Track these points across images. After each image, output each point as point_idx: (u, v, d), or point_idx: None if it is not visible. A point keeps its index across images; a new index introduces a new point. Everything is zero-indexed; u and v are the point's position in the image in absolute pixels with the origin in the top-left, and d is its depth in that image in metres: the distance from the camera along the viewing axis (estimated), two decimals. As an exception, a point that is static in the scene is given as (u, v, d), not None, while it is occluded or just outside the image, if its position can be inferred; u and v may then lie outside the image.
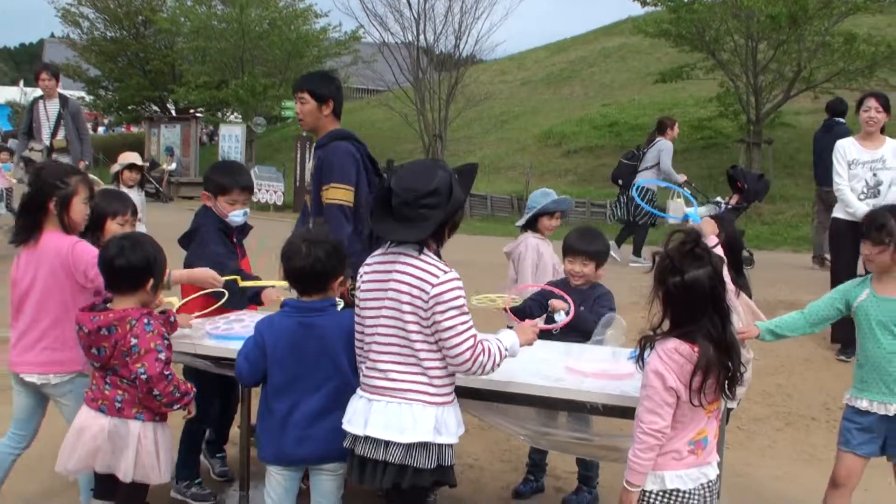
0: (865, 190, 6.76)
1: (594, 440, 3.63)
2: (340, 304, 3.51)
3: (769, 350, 7.19)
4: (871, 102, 6.68)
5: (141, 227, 6.86)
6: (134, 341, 3.26)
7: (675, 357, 2.85)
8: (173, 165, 25.17)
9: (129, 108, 33.56)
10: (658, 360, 2.87)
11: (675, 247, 2.91)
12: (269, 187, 19.55)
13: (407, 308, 2.95)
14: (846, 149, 6.84)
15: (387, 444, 2.96)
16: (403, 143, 26.97)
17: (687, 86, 24.44)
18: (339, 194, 4.50)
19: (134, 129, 37.87)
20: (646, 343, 2.95)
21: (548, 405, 3.46)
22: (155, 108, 33.28)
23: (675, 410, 2.88)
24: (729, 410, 3.23)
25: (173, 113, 31.62)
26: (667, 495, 2.92)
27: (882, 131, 6.84)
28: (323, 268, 3.27)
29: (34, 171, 3.95)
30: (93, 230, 4.01)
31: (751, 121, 20.42)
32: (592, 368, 3.48)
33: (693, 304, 2.85)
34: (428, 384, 2.98)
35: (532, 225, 5.13)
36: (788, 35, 18.61)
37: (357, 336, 3.18)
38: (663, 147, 11.19)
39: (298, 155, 19.89)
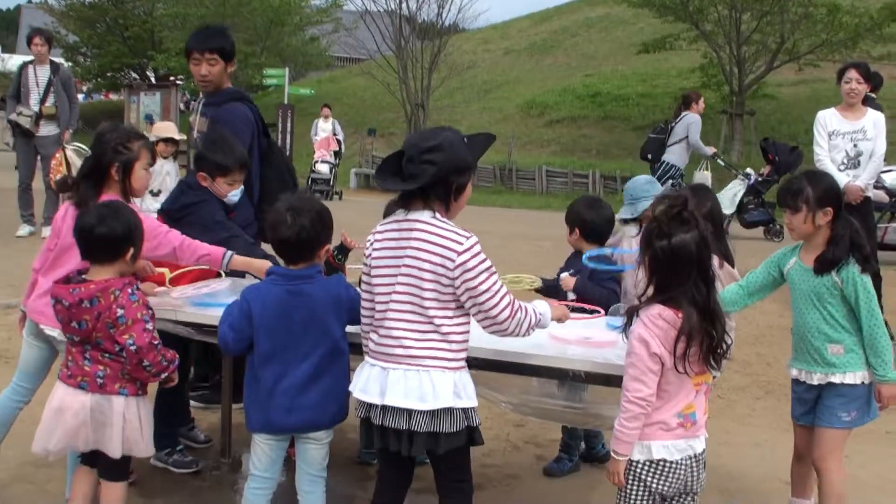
0: (846, 161, 6.78)
1: (579, 408, 3.63)
2: None
3: (750, 319, 7.27)
4: (852, 73, 6.67)
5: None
6: (120, 312, 3.17)
7: (658, 323, 2.85)
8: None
9: (108, 75, 33.16)
10: (642, 327, 2.87)
11: (663, 210, 2.91)
12: (251, 156, 19.38)
13: (428, 276, 2.91)
14: (827, 119, 6.84)
15: (410, 412, 2.92)
16: (385, 112, 26.84)
17: (670, 56, 24.43)
18: None
19: (113, 97, 37.39)
20: (633, 313, 2.95)
21: (531, 373, 3.46)
22: (134, 75, 32.89)
23: (661, 379, 2.88)
24: (710, 378, 3.25)
25: (153, 80, 31.20)
26: (654, 465, 2.93)
27: (863, 102, 6.86)
28: (308, 236, 3.23)
29: (97, 135, 3.80)
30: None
31: (733, 92, 20.47)
32: (575, 336, 3.48)
33: (679, 268, 2.85)
34: (447, 349, 2.96)
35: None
36: (772, 6, 18.62)
37: (365, 304, 3.13)
38: (691, 121, 11.32)
39: (280, 123, 19.74)
